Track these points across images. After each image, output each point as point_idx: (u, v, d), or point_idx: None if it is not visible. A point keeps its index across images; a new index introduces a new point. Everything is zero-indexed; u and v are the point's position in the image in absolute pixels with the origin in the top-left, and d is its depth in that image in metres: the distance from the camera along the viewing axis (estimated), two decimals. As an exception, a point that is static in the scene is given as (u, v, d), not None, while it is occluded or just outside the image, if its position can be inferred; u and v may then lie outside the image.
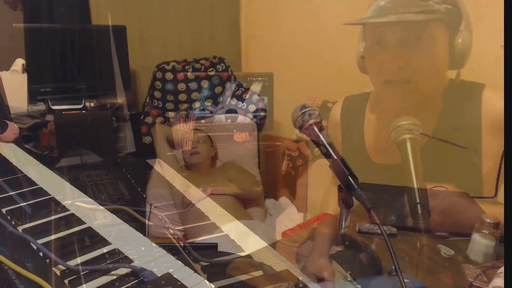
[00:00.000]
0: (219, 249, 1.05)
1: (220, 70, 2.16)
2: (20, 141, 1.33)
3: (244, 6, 2.44)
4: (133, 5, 2.13)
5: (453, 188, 1.07)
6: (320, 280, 0.85)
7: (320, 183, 1.63)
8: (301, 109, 0.85)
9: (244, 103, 2.10)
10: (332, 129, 1.34)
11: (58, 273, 0.64)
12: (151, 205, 1.74)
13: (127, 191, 1.42)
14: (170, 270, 0.64)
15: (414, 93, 1.18)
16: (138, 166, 1.98)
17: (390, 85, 1.20)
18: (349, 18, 1.28)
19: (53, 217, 0.83)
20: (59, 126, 1.71)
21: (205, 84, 2.09)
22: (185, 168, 1.90)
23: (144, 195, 1.73)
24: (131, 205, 1.16)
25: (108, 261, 0.68)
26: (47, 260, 0.67)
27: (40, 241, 0.72)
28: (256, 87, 2.20)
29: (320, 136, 0.82)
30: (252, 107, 2.09)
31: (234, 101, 2.12)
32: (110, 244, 0.73)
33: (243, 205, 1.81)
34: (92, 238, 0.75)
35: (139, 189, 1.60)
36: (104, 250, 0.71)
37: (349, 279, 0.72)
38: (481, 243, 0.86)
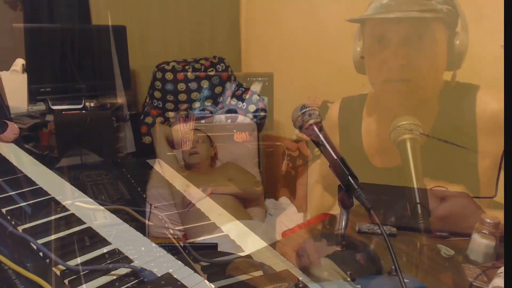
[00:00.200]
0: (219, 249, 1.05)
1: (220, 70, 2.16)
2: (20, 141, 1.33)
3: (244, 6, 2.44)
4: (133, 5, 2.13)
5: (461, 189, 1.07)
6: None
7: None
8: (301, 109, 0.85)
9: (244, 103, 2.10)
10: (329, 130, 1.35)
11: (58, 273, 0.64)
12: (151, 205, 1.74)
13: (127, 191, 1.42)
14: (170, 270, 0.64)
15: (413, 92, 1.18)
16: (138, 166, 1.98)
17: (390, 83, 1.19)
18: (349, 18, 1.28)
19: (53, 217, 0.83)
20: (59, 126, 1.71)
21: (205, 84, 2.09)
22: (185, 168, 1.90)
23: (144, 195, 1.73)
24: (131, 205, 1.16)
25: (108, 261, 0.68)
26: (47, 260, 0.67)
27: (40, 241, 0.72)
28: (256, 87, 2.20)
29: (320, 136, 0.82)
30: (252, 107, 2.09)
31: (234, 101, 2.12)
32: (110, 244, 0.73)
33: (243, 205, 1.81)
34: (92, 238, 0.75)
35: (139, 189, 1.60)
36: (104, 250, 0.71)
37: (348, 279, 0.72)
38: (481, 243, 0.86)
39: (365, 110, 1.33)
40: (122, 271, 0.65)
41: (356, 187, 0.76)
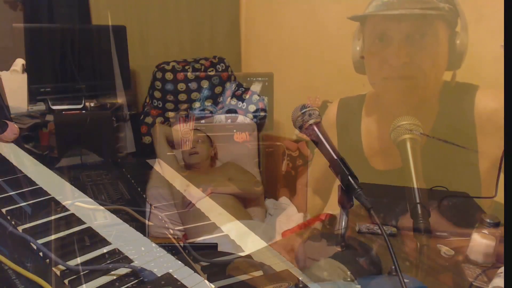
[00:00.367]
0: (219, 249, 1.05)
1: (220, 70, 2.16)
2: (20, 141, 1.33)
3: (244, 6, 2.44)
4: (133, 5, 2.13)
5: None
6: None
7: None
8: (301, 109, 0.85)
9: (244, 103, 2.10)
10: (327, 132, 1.34)
11: (58, 273, 0.64)
12: (151, 205, 1.74)
13: (127, 191, 1.42)
14: (170, 270, 0.64)
15: (414, 91, 1.18)
16: (138, 166, 1.98)
17: (391, 81, 1.19)
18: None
19: (53, 217, 0.83)
20: (59, 126, 1.71)
21: (205, 84, 2.09)
22: (184, 168, 1.90)
23: (144, 195, 1.73)
24: (131, 205, 1.17)
25: (108, 261, 0.68)
26: (47, 260, 0.67)
27: (40, 241, 0.72)
28: (256, 87, 2.20)
29: (320, 136, 0.82)
30: (252, 107, 2.09)
31: (234, 101, 2.12)
32: (110, 244, 0.73)
33: (243, 204, 1.81)
34: (92, 238, 0.75)
35: (139, 189, 1.60)
36: (104, 250, 0.71)
37: (349, 279, 0.72)
38: (481, 243, 0.86)
39: (364, 110, 1.33)
40: (122, 271, 0.65)
41: (356, 187, 0.76)
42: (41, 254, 0.69)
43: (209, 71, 2.12)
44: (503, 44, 0.64)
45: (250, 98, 2.11)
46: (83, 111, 1.83)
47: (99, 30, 1.93)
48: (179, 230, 1.69)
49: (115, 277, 0.63)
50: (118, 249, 0.71)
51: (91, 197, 0.93)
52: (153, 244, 0.73)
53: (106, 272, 0.64)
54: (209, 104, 2.10)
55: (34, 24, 1.90)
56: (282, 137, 2.17)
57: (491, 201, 1.06)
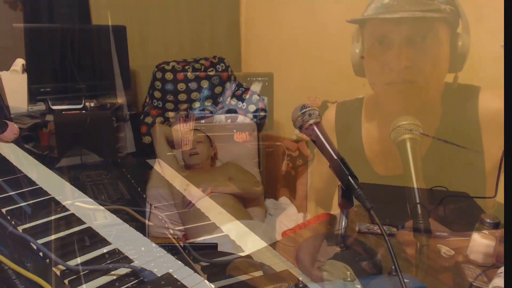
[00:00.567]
0: (219, 249, 1.05)
1: (220, 70, 2.16)
2: (20, 141, 1.33)
3: (244, 6, 2.44)
4: (133, 5, 2.13)
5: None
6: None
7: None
8: (301, 109, 0.85)
9: (244, 103, 2.10)
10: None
11: (58, 273, 0.64)
12: (151, 205, 1.74)
13: (127, 191, 1.42)
14: (170, 270, 0.64)
15: (416, 95, 1.17)
16: (138, 166, 1.98)
17: (392, 86, 1.18)
18: (349, 18, 1.27)
19: (53, 217, 0.83)
20: (59, 126, 1.71)
21: (205, 84, 2.09)
22: (184, 168, 1.90)
23: (144, 195, 1.73)
24: (131, 205, 1.16)
25: (108, 261, 0.68)
26: (47, 260, 0.67)
27: (40, 241, 0.72)
28: (256, 87, 2.20)
29: (320, 136, 0.82)
30: (252, 107, 2.09)
31: (234, 101, 2.12)
32: (110, 244, 0.73)
33: (243, 204, 1.81)
34: (92, 238, 0.75)
35: (139, 189, 1.60)
36: (104, 250, 0.71)
37: (349, 279, 0.72)
38: (481, 243, 0.86)
39: (364, 114, 1.31)
40: (122, 271, 0.65)
41: (356, 187, 0.76)
42: (41, 254, 0.69)
43: (209, 71, 2.12)
44: (503, 44, 0.64)
45: (250, 98, 2.11)
46: (83, 111, 1.83)
47: (99, 30, 1.93)
48: (179, 230, 1.69)
49: (115, 277, 0.63)
50: (118, 249, 0.71)
51: (91, 197, 0.93)
52: (153, 244, 0.73)
53: (106, 272, 0.64)
54: (209, 104, 2.10)
55: (34, 24, 1.90)
56: (282, 137, 2.17)
57: (494, 202, 1.05)
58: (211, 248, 1.04)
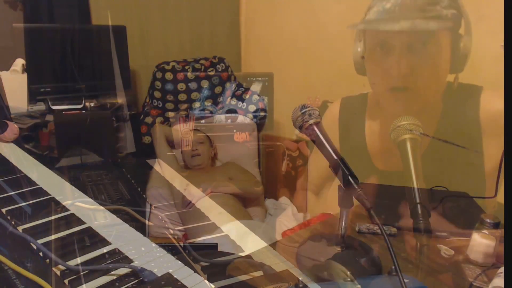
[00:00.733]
0: (219, 249, 1.05)
1: (220, 70, 2.16)
2: (20, 141, 1.33)
3: (244, 6, 2.44)
4: (133, 5, 2.13)
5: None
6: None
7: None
8: (301, 109, 0.85)
9: (244, 103, 2.10)
10: (328, 131, 1.34)
11: (58, 273, 0.64)
12: (151, 205, 1.74)
13: (127, 191, 1.42)
14: (170, 270, 0.64)
15: (416, 99, 1.17)
16: (138, 166, 1.98)
17: (392, 93, 1.17)
18: (350, 18, 1.28)
19: (53, 217, 0.83)
20: (59, 126, 1.71)
21: (205, 84, 2.09)
22: (184, 168, 1.90)
23: (144, 195, 1.73)
24: (131, 205, 1.16)
25: (108, 261, 0.68)
26: (47, 260, 0.67)
27: (40, 241, 0.72)
28: (256, 87, 2.20)
29: (320, 136, 0.82)
30: (252, 107, 2.09)
31: (234, 101, 2.12)
32: (110, 244, 0.73)
33: (243, 204, 1.81)
34: (92, 238, 0.75)
35: (139, 189, 1.60)
36: (104, 250, 0.71)
37: (349, 279, 0.72)
38: (481, 243, 0.86)
39: (368, 111, 1.32)
40: (122, 271, 0.65)
41: (356, 187, 0.76)
42: (41, 254, 0.69)
43: (209, 71, 2.12)
44: (503, 44, 0.64)
45: (250, 98, 2.11)
46: (83, 111, 1.83)
47: (99, 30, 1.93)
48: (179, 230, 1.69)
49: (115, 277, 0.63)
50: (118, 249, 0.71)
51: (91, 197, 0.93)
52: (153, 244, 0.73)
53: (106, 272, 0.64)
54: (209, 104, 2.10)
55: (34, 24, 1.90)
56: (282, 137, 2.17)
57: (495, 202, 1.06)
58: (211, 248, 1.04)
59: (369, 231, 1.00)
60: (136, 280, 0.63)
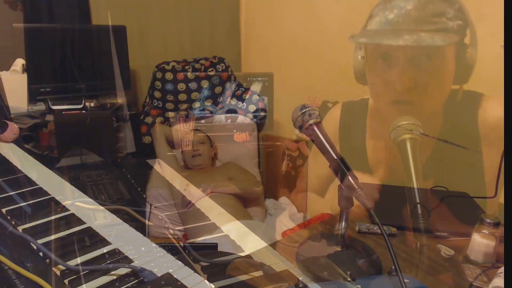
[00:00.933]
0: (219, 249, 1.05)
1: (220, 70, 2.16)
2: (20, 141, 1.33)
3: (244, 6, 2.44)
4: (133, 5, 2.13)
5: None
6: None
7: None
8: (301, 109, 0.85)
9: (244, 103, 2.10)
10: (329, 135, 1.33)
11: (58, 273, 0.64)
12: (151, 205, 1.74)
13: (127, 191, 1.42)
14: (170, 270, 0.64)
15: (420, 112, 1.14)
16: (138, 166, 1.98)
17: (396, 104, 1.15)
18: (350, 18, 1.27)
19: (53, 217, 0.83)
20: (59, 126, 1.71)
21: (205, 84, 2.09)
22: (184, 168, 1.90)
23: (144, 195, 1.73)
24: (131, 205, 1.17)
25: (108, 261, 0.68)
26: (47, 260, 0.67)
27: (40, 241, 0.72)
28: (256, 87, 2.20)
29: (320, 136, 0.82)
30: (252, 107, 2.09)
31: (234, 101, 2.12)
32: (110, 244, 0.73)
33: (243, 204, 1.81)
34: (92, 238, 0.75)
35: (139, 189, 1.60)
36: (104, 250, 0.71)
37: (348, 279, 0.72)
38: (481, 243, 0.86)
39: (369, 117, 1.29)
40: (122, 271, 0.65)
41: (356, 187, 0.76)
42: (41, 254, 0.69)
43: (209, 71, 2.12)
44: (503, 44, 0.64)
45: (250, 98, 2.11)
46: (83, 111, 1.83)
47: (99, 30, 1.93)
48: (179, 230, 1.69)
49: (115, 277, 0.63)
50: (118, 249, 0.71)
51: (91, 197, 0.93)
52: (153, 244, 0.73)
53: (106, 272, 0.64)
54: (209, 104, 2.11)
55: (34, 24, 1.90)
56: (282, 137, 2.17)
57: (497, 203, 1.05)
58: (211, 248, 1.04)
59: (369, 231, 1.00)
60: (136, 280, 0.63)
